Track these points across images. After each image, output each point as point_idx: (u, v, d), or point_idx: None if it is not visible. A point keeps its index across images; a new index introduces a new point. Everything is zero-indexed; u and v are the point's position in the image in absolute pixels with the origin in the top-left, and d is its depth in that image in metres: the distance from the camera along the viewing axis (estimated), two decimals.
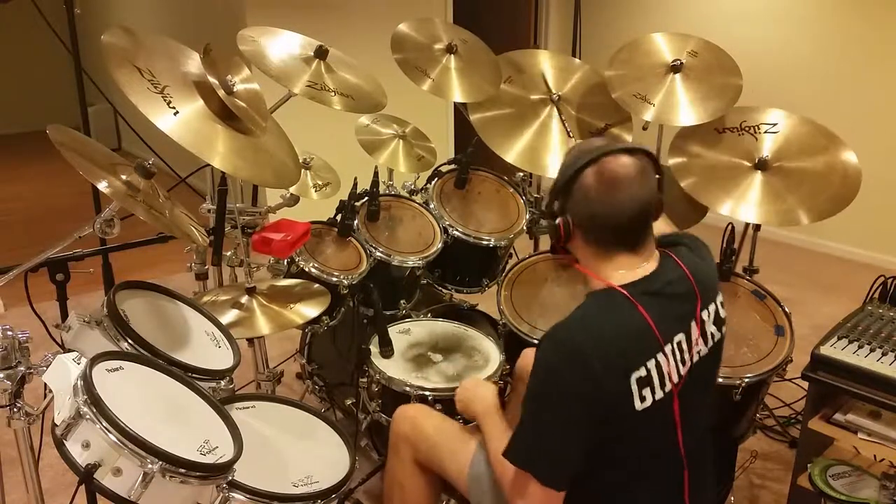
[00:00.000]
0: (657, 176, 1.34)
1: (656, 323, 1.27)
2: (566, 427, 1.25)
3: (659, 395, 1.27)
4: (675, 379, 1.29)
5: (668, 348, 1.28)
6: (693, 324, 1.32)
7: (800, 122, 2.32)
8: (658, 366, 1.26)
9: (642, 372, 1.25)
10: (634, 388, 1.24)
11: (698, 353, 1.33)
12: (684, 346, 1.31)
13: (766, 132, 2.32)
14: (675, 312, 1.31)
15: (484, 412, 1.54)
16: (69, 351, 1.34)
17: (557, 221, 1.35)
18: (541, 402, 1.28)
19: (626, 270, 1.32)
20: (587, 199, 1.31)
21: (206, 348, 1.65)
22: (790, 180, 2.21)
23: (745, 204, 2.18)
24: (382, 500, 1.79)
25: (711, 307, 1.36)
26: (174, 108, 1.51)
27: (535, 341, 2.01)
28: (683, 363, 1.31)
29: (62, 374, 1.26)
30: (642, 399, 1.25)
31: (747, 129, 2.33)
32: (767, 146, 2.29)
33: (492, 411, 1.53)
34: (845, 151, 2.24)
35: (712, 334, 1.36)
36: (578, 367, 1.22)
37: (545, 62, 2.68)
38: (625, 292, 1.28)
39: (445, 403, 1.89)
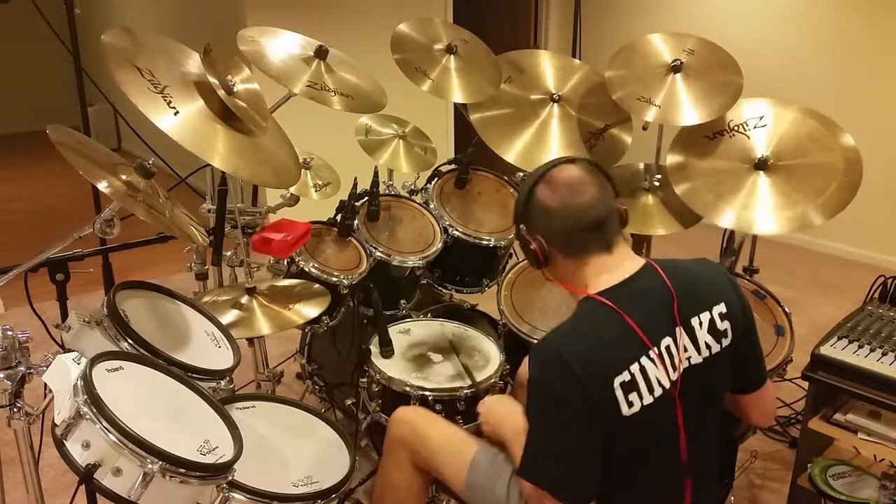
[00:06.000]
0: (608, 179, 1.38)
1: (641, 326, 1.27)
2: (568, 438, 1.25)
3: (648, 399, 1.25)
4: (667, 384, 1.27)
5: (654, 352, 1.27)
6: (678, 329, 1.30)
7: (787, 111, 2.30)
8: (643, 369, 1.25)
9: (626, 376, 1.24)
10: (619, 393, 1.23)
11: (688, 359, 1.31)
12: (673, 350, 1.29)
13: (755, 127, 2.30)
14: (658, 316, 1.30)
15: (513, 437, 1.48)
16: (69, 351, 1.34)
17: (533, 247, 1.38)
18: (538, 417, 1.29)
19: (606, 274, 1.33)
20: (547, 211, 1.36)
21: (206, 348, 1.65)
22: (793, 176, 2.19)
23: (754, 212, 2.14)
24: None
25: (705, 316, 1.33)
26: (174, 108, 1.51)
27: (535, 341, 2.01)
28: (674, 368, 1.29)
29: (62, 374, 1.26)
30: (629, 404, 1.24)
31: (736, 128, 2.32)
32: (762, 143, 2.27)
33: (521, 435, 1.48)
34: (840, 133, 2.22)
35: (707, 344, 1.33)
36: (563, 377, 1.23)
37: (545, 62, 2.68)
38: (603, 299, 1.29)
39: (445, 404, 1.89)
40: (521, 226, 1.41)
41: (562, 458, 1.26)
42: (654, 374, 1.26)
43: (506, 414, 1.56)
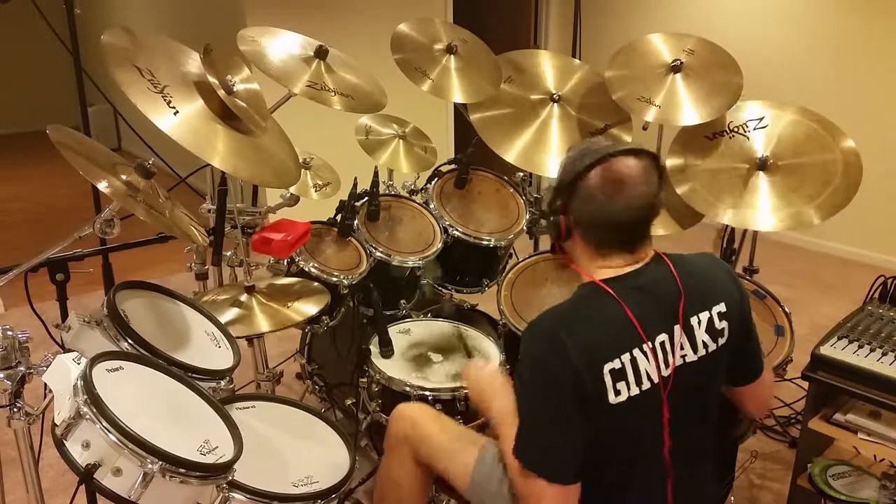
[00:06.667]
0: (659, 176, 1.35)
1: (639, 318, 1.27)
2: (557, 417, 1.25)
3: (634, 391, 1.26)
4: (656, 379, 1.28)
5: (648, 346, 1.27)
6: (676, 326, 1.31)
7: (787, 112, 2.31)
8: (634, 360, 1.26)
9: (616, 364, 1.24)
10: (608, 379, 1.24)
11: (682, 357, 1.31)
12: (667, 347, 1.30)
13: (754, 129, 2.30)
14: (658, 311, 1.30)
15: (499, 410, 1.48)
16: (69, 351, 1.34)
17: (559, 219, 1.36)
18: (529, 395, 1.29)
19: (616, 269, 1.33)
20: (591, 199, 1.32)
21: (206, 348, 1.65)
22: (793, 176, 2.20)
23: (752, 210, 2.15)
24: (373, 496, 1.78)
25: (704, 315, 1.33)
26: (174, 107, 1.51)
27: None
28: (667, 365, 1.29)
29: (62, 374, 1.26)
30: (616, 392, 1.25)
31: (736, 129, 2.32)
32: (762, 143, 2.27)
33: (509, 410, 1.47)
34: (840, 136, 2.22)
35: (704, 343, 1.33)
36: (556, 355, 1.23)
37: (545, 62, 2.68)
38: (606, 287, 1.29)
39: (445, 404, 1.89)
40: (559, 198, 1.37)
41: (550, 438, 1.27)
42: (644, 367, 1.27)
43: (493, 388, 1.54)
